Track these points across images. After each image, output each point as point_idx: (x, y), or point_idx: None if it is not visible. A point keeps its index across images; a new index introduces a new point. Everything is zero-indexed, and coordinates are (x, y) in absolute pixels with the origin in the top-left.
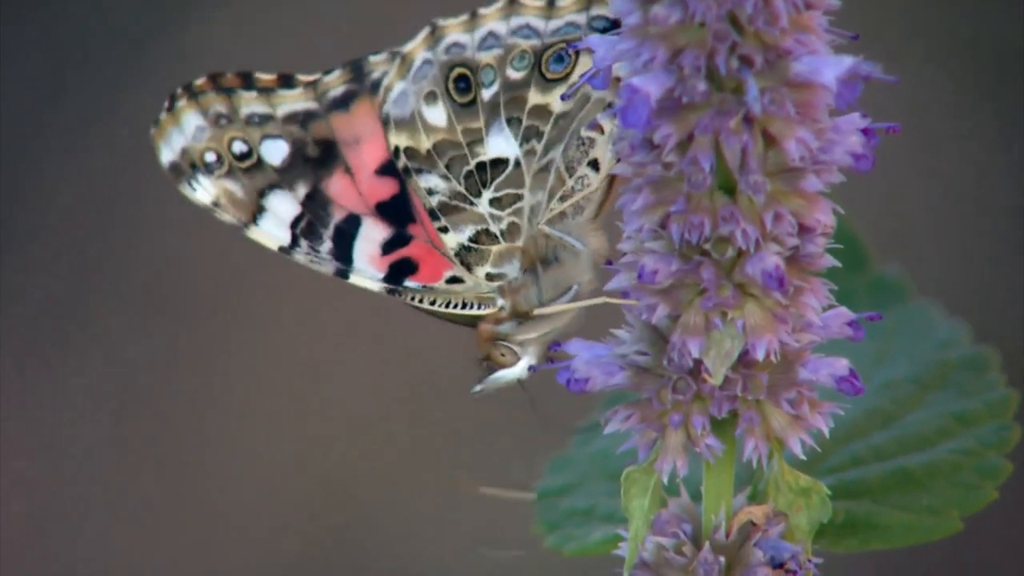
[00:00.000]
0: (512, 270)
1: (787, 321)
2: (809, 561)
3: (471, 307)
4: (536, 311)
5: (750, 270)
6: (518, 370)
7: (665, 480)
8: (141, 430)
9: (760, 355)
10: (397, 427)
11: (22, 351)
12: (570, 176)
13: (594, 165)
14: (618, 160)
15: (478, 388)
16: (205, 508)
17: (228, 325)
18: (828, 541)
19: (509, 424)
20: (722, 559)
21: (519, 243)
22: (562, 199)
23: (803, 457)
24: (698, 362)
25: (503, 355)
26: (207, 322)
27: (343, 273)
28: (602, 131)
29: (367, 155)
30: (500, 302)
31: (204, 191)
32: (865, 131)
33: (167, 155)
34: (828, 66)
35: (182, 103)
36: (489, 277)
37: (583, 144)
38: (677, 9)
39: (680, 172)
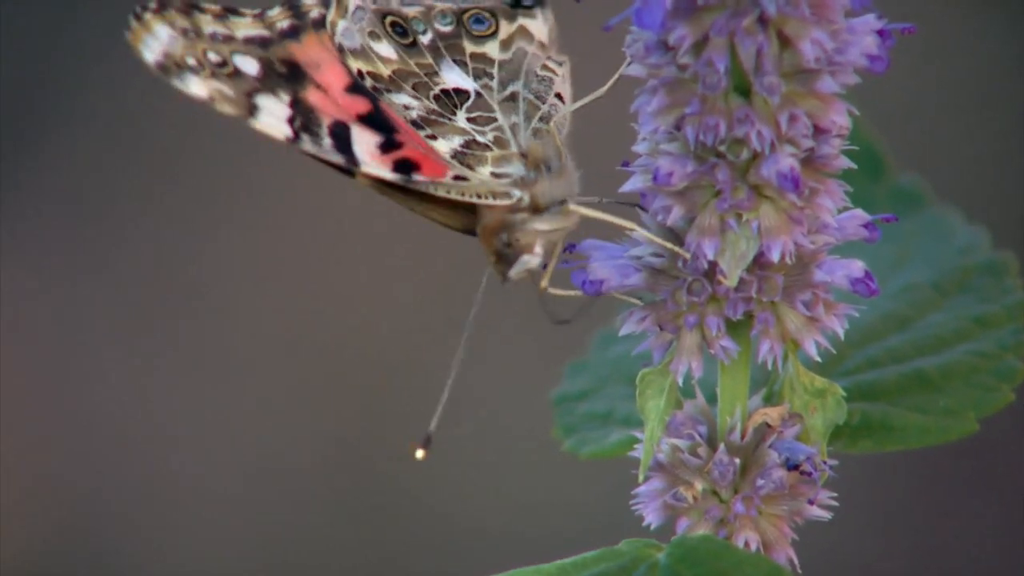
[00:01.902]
0: (516, 169)
1: (802, 223)
2: (824, 463)
3: (487, 199)
4: (569, 205)
5: (765, 172)
6: (537, 258)
7: (680, 381)
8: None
9: (775, 257)
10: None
11: (37, 229)
12: (542, 103)
13: (559, 98)
14: (631, 62)
15: (511, 274)
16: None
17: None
18: (843, 443)
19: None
20: (737, 460)
21: (514, 149)
22: (541, 119)
23: (818, 359)
24: (713, 263)
25: (518, 240)
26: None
27: (351, 168)
28: (555, 73)
29: (331, 77)
30: (517, 194)
31: (197, 87)
32: (880, 32)
33: (150, 56)
34: None
35: (149, 16)
36: (495, 175)
37: (543, 80)
38: None
39: (695, 73)
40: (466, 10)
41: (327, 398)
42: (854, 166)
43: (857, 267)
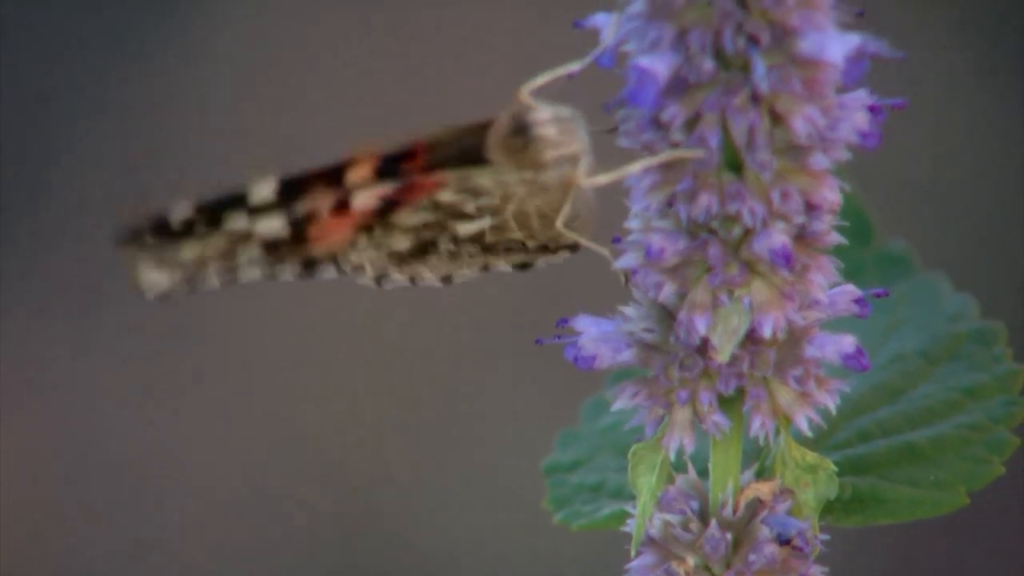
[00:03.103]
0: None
1: (794, 298)
2: (816, 537)
3: None
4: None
5: (757, 248)
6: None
7: (672, 456)
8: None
9: (767, 332)
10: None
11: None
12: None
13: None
14: (625, 136)
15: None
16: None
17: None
18: (835, 516)
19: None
20: (729, 535)
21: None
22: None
23: (810, 434)
24: (705, 339)
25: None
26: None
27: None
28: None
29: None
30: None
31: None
32: (871, 108)
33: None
34: (834, 43)
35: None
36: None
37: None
38: None
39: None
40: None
41: (318, 459)
42: (845, 241)
43: (848, 343)
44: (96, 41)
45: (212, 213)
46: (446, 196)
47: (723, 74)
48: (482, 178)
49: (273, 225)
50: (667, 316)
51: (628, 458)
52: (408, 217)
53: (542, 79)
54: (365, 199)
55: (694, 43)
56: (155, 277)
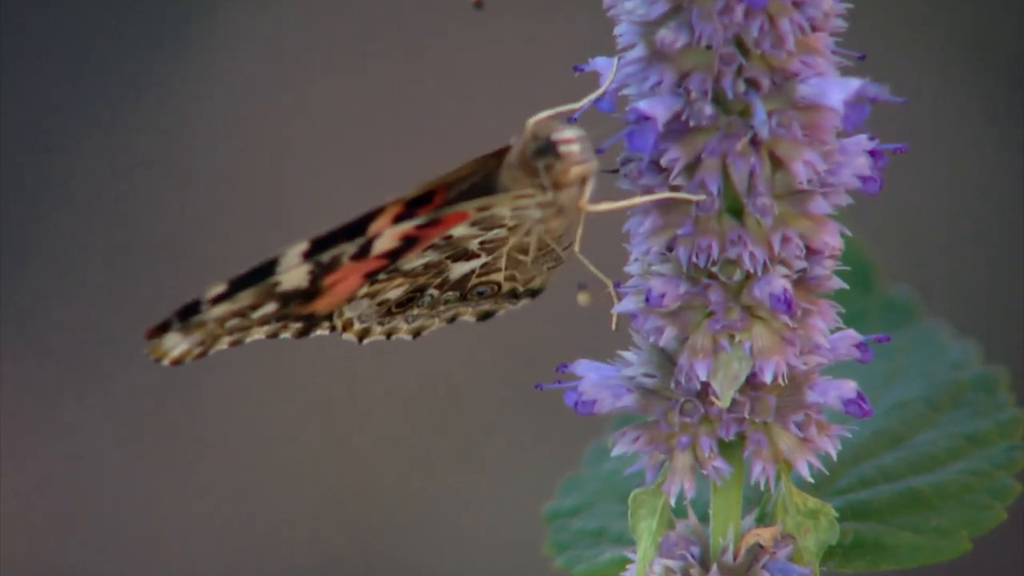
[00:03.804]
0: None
1: (795, 343)
2: None
3: None
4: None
5: (758, 293)
6: None
7: (673, 502)
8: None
9: (768, 377)
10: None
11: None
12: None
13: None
14: (625, 178)
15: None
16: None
17: None
18: (836, 563)
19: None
20: None
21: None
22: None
23: (811, 480)
24: (706, 384)
25: None
26: None
27: None
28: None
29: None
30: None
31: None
32: (872, 152)
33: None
34: (835, 88)
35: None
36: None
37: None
38: (684, 32)
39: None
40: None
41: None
42: (846, 286)
43: (849, 388)
44: (94, 93)
45: (243, 285)
46: (460, 230)
47: (723, 118)
48: (501, 206)
49: (296, 277)
50: (667, 361)
51: (629, 503)
52: (414, 260)
53: (544, 115)
54: (387, 240)
55: (694, 87)
56: (175, 342)
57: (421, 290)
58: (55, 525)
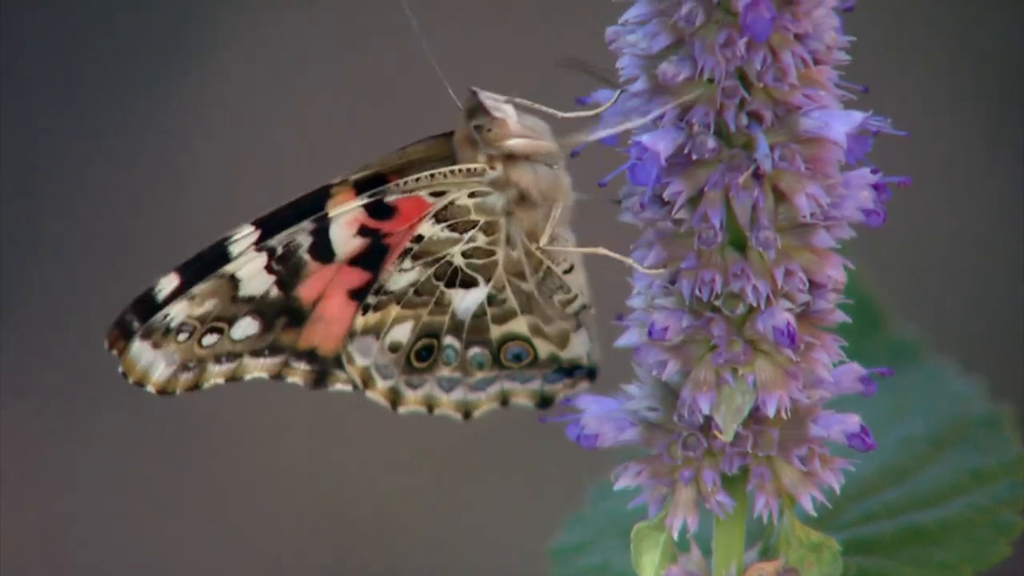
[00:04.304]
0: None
1: (798, 377)
2: None
3: None
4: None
5: (761, 326)
6: None
7: (676, 536)
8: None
9: (771, 411)
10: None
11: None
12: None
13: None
14: (628, 211)
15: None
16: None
17: None
18: None
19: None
20: None
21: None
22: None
23: (814, 514)
24: (709, 418)
25: None
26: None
27: None
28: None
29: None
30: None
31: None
32: (876, 186)
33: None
34: (838, 121)
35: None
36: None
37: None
38: (686, 65)
39: (691, 228)
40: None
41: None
42: (849, 319)
43: (853, 422)
44: (86, 126)
45: (194, 274)
46: (427, 227)
47: (726, 151)
48: (455, 188)
49: (253, 269)
50: (670, 394)
51: (631, 537)
52: (396, 276)
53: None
54: (344, 233)
55: (697, 120)
56: (147, 356)
57: (435, 336)
58: (56, 526)
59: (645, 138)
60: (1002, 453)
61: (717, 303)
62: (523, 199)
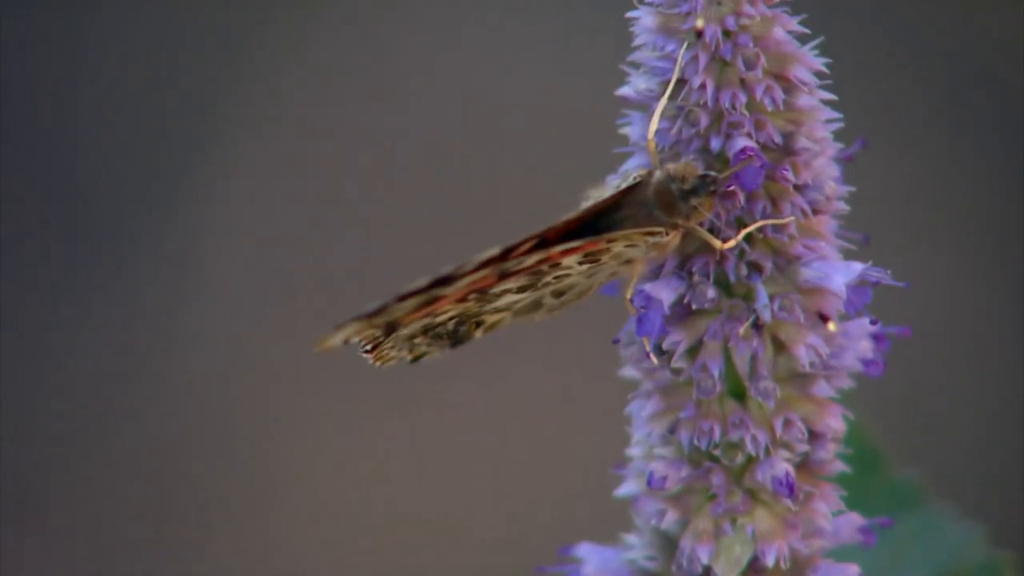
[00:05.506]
0: None
1: (797, 527)
2: None
3: None
4: None
5: (760, 476)
6: None
7: None
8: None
9: (770, 561)
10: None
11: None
12: None
13: None
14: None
15: None
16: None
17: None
18: None
19: None
20: None
21: None
22: None
23: None
24: (708, 568)
25: None
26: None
27: None
28: None
29: None
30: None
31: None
32: (875, 336)
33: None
34: (838, 272)
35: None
36: None
37: None
38: None
39: (690, 378)
40: None
41: None
42: (848, 469)
43: (853, 572)
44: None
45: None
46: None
47: (726, 301)
48: (630, 241)
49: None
50: (669, 544)
51: None
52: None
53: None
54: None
55: (697, 270)
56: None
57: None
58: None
59: (648, 287)
60: None
61: (716, 452)
62: (636, 261)
